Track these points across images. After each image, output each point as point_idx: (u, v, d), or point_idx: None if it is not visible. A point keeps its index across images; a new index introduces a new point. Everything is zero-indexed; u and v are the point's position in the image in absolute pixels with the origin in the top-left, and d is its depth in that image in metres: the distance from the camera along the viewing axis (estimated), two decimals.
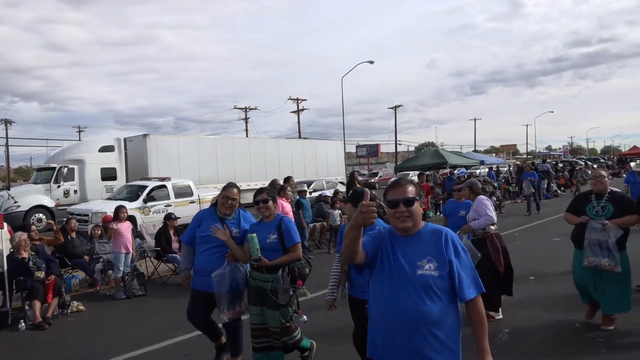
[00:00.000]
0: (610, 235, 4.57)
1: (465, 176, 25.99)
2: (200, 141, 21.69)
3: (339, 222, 10.41)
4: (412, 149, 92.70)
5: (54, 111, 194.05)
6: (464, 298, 2.32)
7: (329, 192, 12.20)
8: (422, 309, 2.24)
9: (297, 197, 9.87)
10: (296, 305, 4.20)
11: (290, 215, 8.37)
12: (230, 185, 4.47)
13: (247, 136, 53.36)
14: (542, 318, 5.47)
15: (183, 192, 14.88)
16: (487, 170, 28.43)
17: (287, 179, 10.48)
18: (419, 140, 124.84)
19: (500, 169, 32.85)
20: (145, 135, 19.36)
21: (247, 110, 52.58)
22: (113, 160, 18.76)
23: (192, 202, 14.93)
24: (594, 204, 4.89)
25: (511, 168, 29.75)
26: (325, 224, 10.85)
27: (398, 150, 66.30)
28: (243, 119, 52.32)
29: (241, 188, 5.26)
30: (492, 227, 5.54)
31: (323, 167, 27.22)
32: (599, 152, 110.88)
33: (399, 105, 61.77)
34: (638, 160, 10.73)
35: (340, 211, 10.73)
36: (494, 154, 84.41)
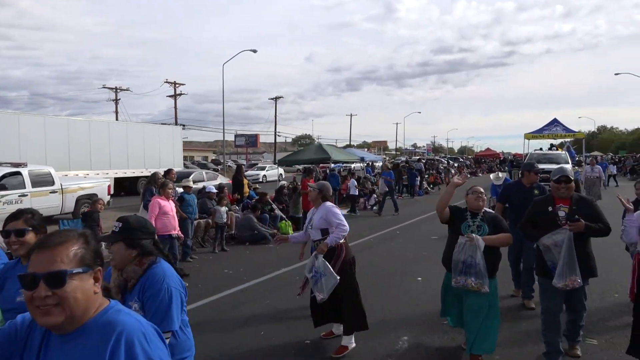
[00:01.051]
0: (477, 254, 4.20)
1: (343, 168, 26.79)
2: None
3: (225, 220, 9.80)
4: (289, 140, 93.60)
5: None
6: None
7: (213, 187, 11.47)
8: None
9: (181, 193, 9.05)
10: None
11: (172, 214, 7.58)
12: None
13: (117, 119, 49.42)
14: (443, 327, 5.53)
15: (42, 181, 13.02)
16: (364, 166, 29.51)
17: (168, 172, 9.48)
18: (296, 132, 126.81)
19: (375, 165, 34.42)
20: None
21: (118, 90, 48.55)
22: None
23: (53, 192, 13.16)
24: (469, 222, 4.44)
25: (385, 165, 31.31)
26: (210, 221, 10.16)
27: (277, 141, 66.27)
28: (113, 100, 48.15)
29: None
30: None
31: (153, 154, 24.17)
32: (456, 151, 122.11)
33: (280, 97, 61.57)
34: (499, 173, 11.17)
35: (227, 208, 10.12)
36: (366, 149, 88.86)
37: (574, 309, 4.46)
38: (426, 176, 26.81)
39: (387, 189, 16.12)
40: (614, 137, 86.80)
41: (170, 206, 7.58)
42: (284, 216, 12.50)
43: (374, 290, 6.71)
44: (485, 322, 4.28)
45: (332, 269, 4.62)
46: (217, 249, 9.81)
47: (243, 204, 12.78)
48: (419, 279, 7.53)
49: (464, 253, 4.27)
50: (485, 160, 55.03)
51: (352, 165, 30.41)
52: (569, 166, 17.15)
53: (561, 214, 4.29)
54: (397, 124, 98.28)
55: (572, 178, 4.39)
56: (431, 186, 26.15)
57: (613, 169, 28.26)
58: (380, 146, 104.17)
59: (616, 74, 62.47)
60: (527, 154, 23.77)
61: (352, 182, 17.57)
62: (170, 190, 7.45)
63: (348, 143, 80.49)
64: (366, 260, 8.57)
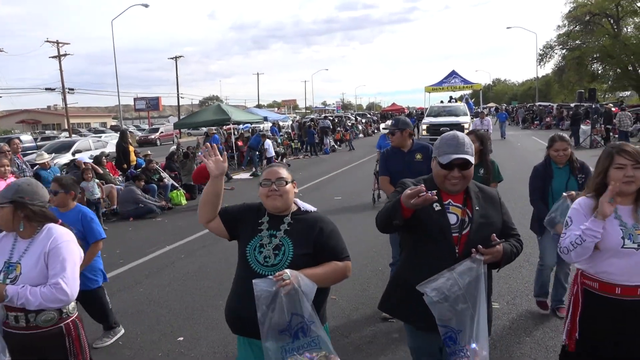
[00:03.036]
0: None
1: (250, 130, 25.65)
2: None
3: (97, 196, 8.52)
4: (196, 102, 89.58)
5: None
6: None
7: (87, 157, 10.02)
8: None
9: (36, 169, 7.61)
10: None
11: None
12: None
13: None
14: None
15: None
16: (270, 125, 28.48)
17: (9, 143, 7.35)
18: (203, 93, 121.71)
19: (281, 124, 33.51)
20: None
21: None
22: None
23: None
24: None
25: (293, 123, 30.47)
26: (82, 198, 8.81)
27: (182, 104, 62.94)
28: None
29: None
30: None
31: None
32: (364, 107, 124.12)
33: (180, 56, 57.88)
34: (388, 122, 10.35)
35: (98, 181, 8.82)
36: (276, 109, 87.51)
37: None
38: (332, 135, 26.45)
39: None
40: (507, 89, 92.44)
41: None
42: (176, 185, 11.37)
43: None
44: None
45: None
46: None
47: (127, 174, 11.44)
48: None
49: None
50: (392, 116, 56.13)
51: (262, 126, 29.26)
52: (466, 118, 17.41)
53: (452, 219, 2.27)
54: (305, 82, 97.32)
55: (471, 158, 2.24)
56: (338, 143, 25.85)
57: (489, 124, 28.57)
58: (290, 105, 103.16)
59: (508, 28, 66.06)
60: (427, 108, 24.06)
61: (268, 143, 16.69)
62: (3, 168, 5.91)
63: (257, 103, 78.67)
64: None
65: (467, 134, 3.68)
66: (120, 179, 11.11)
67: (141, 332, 4.45)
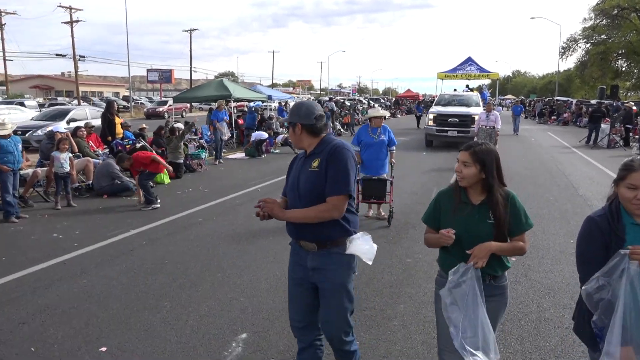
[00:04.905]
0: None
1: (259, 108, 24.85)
2: None
3: (67, 169, 7.89)
4: (211, 77, 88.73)
5: None
6: None
7: (62, 127, 9.37)
8: None
9: None
10: None
11: None
12: None
13: (2, 48, 43.42)
14: None
15: None
16: (277, 105, 27.69)
17: None
18: (219, 69, 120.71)
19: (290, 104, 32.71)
20: None
21: (1, 14, 42.31)
22: None
23: None
24: None
25: None
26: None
27: (197, 78, 62.29)
28: None
29: None
30: None
31: None
32: (381, 92, 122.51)
33: (195, 29, 57.34)
34: (376, 106, 8.88)
35: (70, 154, 8.18)
36: (291, 88, 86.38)
37: None
38: (340, 118, 25.61)
39: None
40: (527, 82, 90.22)
41: None
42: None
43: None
44: None
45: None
46: (60, 205, 7.96)
47: (111, 146, 10.82)
48: None
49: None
50: (405, 102, 54.90)
51: (273, 105, 28.46)
52: (479, 109, 16.33)
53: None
54: (321, 62, 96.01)
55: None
56: (345, 127, 25.01)
57: (499, 111, 27.22)
58: (304, 85, 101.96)
59: (532, 18, 64.16)
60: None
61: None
62: None
63: (272, 82, 77.74)
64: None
65: (462, 149, 2.49)
66: (99, 152, 10.48)
67: (63, 336, 3.82)
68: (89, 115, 18.62)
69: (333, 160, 2.61)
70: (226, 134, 15.08)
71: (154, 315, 4.16)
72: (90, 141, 11.27)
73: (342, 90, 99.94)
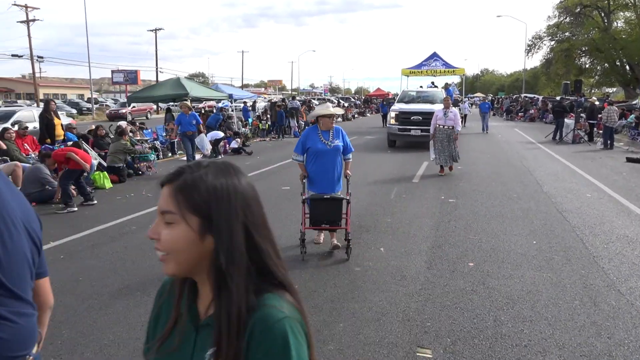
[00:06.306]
0: None
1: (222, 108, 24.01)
2: None
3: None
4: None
5: None
6: None
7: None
8: None
9: None
10: None
11: None
12: None
13: None
14: None
15: None
16: (242, 105, 26.87)
17: None
18: (189, 70, 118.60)
19: (258, 104, 31.91)
20: None
21: None
22: None
23: None
24: None
25: (266, 104, 28.81)
26: None
27: (164, 79, 60.72)
28: None
29: None
30: None
31: None
32: (353, 92, 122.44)
33: (160, 29, 55.77)
34: (329, 104, 8.01)
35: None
36: (263, 88, 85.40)
37: None
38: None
39: None
40: (495, 80, 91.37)
41: None
42: (103, 162, 9.94)
43: None
44: None
45: None
46: None
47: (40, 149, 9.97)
48: None
49: None
50: (375, 101, 54.73)
51: (228, 104, 27.60)
52: (438, 106, 15.81)
53: None
54: (292, 62, 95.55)
55: None
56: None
57: (466, 108, 26.12)
58: (276, 85, 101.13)
59: (498, 16, 64.88)
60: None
61: (202, 137, 15.08)
62: None
63: (242, 82, 76.60)
64: None
65: (163, 181, 1.04)
66: (32, 155, 9.63)
67: None
68: (36, 117, 17.58)
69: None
70: (207, 148, 12.35)
71: (44, 349, 3.48)
72: (25, 144, 10.41)
73: (314, 90, 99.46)
